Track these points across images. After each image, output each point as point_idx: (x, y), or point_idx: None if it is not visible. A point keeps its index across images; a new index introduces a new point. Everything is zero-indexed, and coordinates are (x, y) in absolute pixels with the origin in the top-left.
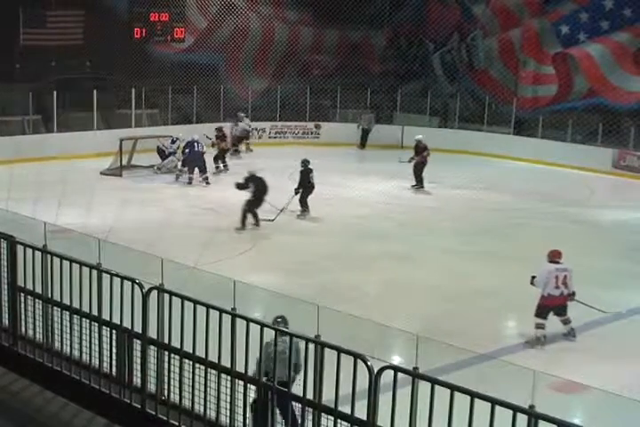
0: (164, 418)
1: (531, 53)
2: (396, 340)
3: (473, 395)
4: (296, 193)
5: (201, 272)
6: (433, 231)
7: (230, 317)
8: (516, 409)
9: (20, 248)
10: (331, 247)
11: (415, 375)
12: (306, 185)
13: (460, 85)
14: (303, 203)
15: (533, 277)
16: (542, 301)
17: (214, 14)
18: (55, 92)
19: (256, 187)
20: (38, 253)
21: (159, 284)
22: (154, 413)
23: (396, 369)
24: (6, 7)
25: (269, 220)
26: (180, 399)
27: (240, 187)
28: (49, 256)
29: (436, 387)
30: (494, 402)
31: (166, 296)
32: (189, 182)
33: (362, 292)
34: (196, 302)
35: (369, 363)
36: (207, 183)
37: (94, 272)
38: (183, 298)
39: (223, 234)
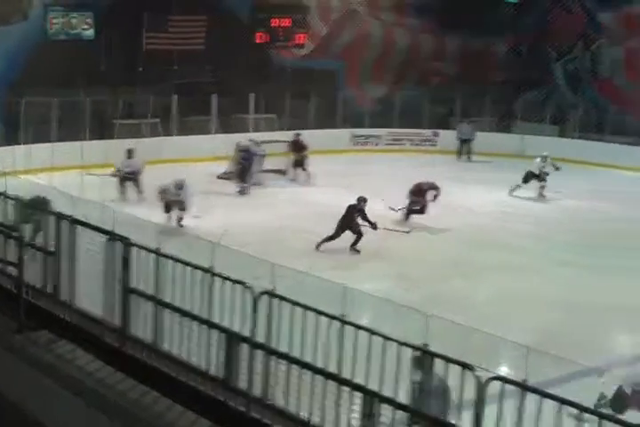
0: (269, 423)
1: None
2: (506, 351)
3: (582, 409)
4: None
5: (312, 278)
6: (550, 242)
7: (335, 322)
8: (625, 425)
9: (133, 250)
10: (445, 256)
11: (523, 387)
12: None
13: (583, 94)
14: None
15: None
16: None
17: (335, 20)
18: (175, 96)
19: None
20: (151, 255)
21: (270, 288)
22: (259, 417)
23: (505, 380)
24: (131, 12)
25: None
26: (287, 405)
27: None
28: (161, 258)
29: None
30: (603, 418)
31: (276, 301)
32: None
33: (474, 301)
34: (305, 308)
35: (476, 373)
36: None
37: (206, 275)
38: (293, 303)
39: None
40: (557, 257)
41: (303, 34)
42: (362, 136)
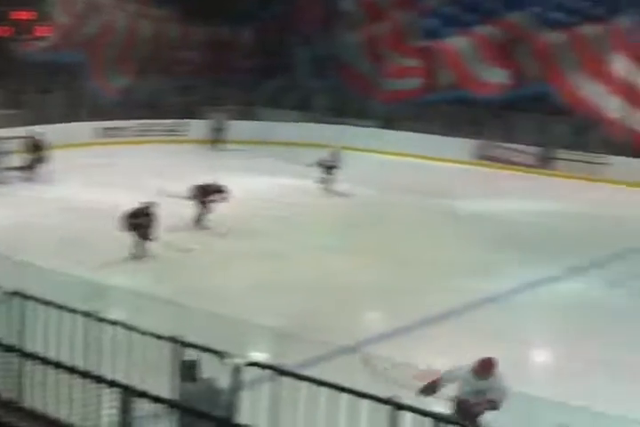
0: (23, 426)
1: (396, 47)
2: (260, 337)
3: (336, 388)
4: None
5: (63, 276)
6: (303, 228)
7: (90, 319)
8: (378, 400)
9: None
10: (202, 246)
11: (278, 371)
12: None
13: (325, 80)
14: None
15: None
16: None
17: (79, 12)
18: None
19: None
20: None
21: (17, 288)
22: (12, 421)
23: (259, 365)
24: None
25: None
26: (44, 406)
27: None
28: None
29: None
30: (356, 394)
31: (25, 300)
32: None
33: (230, 291)
34: (58, 307)
35: (231, 360)
36: None
37: None
38: (41, 302)
39: (86, 236)
40: (312, 243)
41: (46, 26)
42: (108, 128)
